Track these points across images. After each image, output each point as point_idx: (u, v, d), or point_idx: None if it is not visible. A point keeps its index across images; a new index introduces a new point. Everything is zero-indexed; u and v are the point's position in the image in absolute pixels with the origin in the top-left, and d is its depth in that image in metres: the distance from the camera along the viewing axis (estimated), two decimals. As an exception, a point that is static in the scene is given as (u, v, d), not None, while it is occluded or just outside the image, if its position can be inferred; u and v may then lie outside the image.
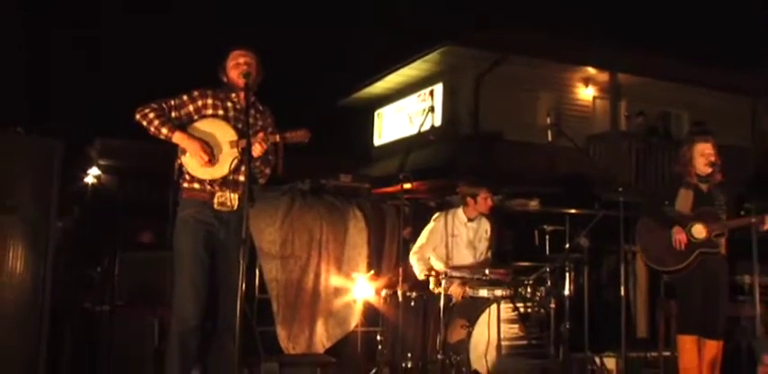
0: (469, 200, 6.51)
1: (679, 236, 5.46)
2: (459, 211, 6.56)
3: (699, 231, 5.45)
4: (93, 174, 17.01)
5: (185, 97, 4.47)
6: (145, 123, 4.32)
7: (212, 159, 4.34)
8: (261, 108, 4.65)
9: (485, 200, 6.49)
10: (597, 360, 6.50)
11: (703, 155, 5.58)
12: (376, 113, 18.24)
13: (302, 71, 21.59)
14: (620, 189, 6.46)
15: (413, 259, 6.47)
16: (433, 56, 15.06)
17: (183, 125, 4.39)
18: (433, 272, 6.14)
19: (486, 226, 6.65)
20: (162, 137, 4.31)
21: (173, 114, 4.39)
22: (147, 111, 4.33)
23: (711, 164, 5.56)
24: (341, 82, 18.68)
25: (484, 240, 6.61)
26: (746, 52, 21.93)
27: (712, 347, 5.44)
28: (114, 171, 17.29)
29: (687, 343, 5.57)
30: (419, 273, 6.36)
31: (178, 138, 4.31)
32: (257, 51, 4.54)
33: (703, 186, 5.60)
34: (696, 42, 22.07)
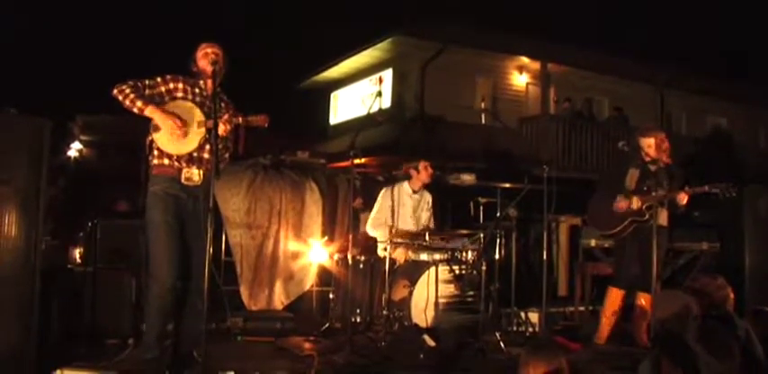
0: (413, 171, 6.63)
1: (620, 204, 5.78)
2: (405, 184, 6.68)
3: (635, 202, 5.72)
4: (75, 148, 16.76)
5: (159, 79, 4.47)
6: (121, 97, 4.30)
7: (185, 128, 4.37)
8: (225, 99, 4.66)
9: (425, 169, 6.64)
10: (522, 314, 6.65)
11: (664, 148, 5.84)
12: (332, 95, 18.17)
13: (267, 56, 21.40)
14: (545, 166, 6.59)
15: (370, 230, 6.58)
16: (383, 44, 15.03)
17: (156, 104, 4.39)
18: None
19: (427, 197, 6.77)
20: (136, 109, 4.30)
21: (146, 92, 4.38)
22: (123, 86, 4.33)
23: (664, 151, 5.84)
24: (301, 66, 18.59)
25: (426, 210, 6.73)
26: (656, 48, 22.40)
27: (646, 298, 5.68)
28: (95, 145, 16.98)
29: (613, 293, 5.93)
30: (380, 238, 6.45)
31: (150, 111, 4.30)
32: (223, 46, 4.58)
33: (652, 167, 5.79)
34: (616, 38, 22.42)
